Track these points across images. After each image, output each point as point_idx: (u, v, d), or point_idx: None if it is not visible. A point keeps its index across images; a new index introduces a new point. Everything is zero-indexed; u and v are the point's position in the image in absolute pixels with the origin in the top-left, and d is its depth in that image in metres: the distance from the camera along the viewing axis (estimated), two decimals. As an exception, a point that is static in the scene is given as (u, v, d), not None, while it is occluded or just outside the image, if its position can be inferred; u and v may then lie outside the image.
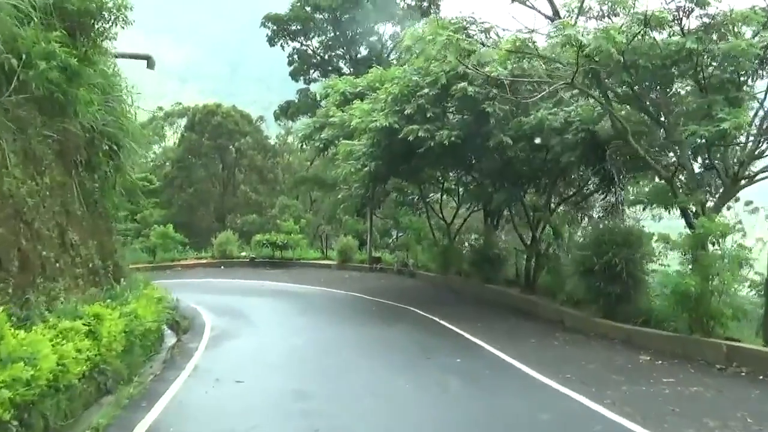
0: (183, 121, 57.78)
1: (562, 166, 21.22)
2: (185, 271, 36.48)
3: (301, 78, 51.20)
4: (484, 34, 18.49)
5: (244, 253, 38.95)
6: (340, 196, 33.78)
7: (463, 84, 20.09)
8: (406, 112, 21.33)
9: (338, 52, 49.82)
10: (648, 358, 14.69)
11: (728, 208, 19.85)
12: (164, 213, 52.17)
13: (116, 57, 17.83)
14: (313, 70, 50.77)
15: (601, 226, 20.51)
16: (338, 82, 30.86)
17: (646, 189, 21.53)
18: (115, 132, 16.52)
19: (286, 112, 48.94)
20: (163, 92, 69.28)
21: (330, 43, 51.72)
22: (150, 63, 19.95)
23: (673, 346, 15.23)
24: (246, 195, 53.88)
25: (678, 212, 18.54)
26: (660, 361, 14.33)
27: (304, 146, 36.48)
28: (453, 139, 20.64)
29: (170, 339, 18.19)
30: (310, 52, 50.46)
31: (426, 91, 21.14)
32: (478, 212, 32.62)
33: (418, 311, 22.41)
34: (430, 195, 33.34)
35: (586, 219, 24.48)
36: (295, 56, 50.12)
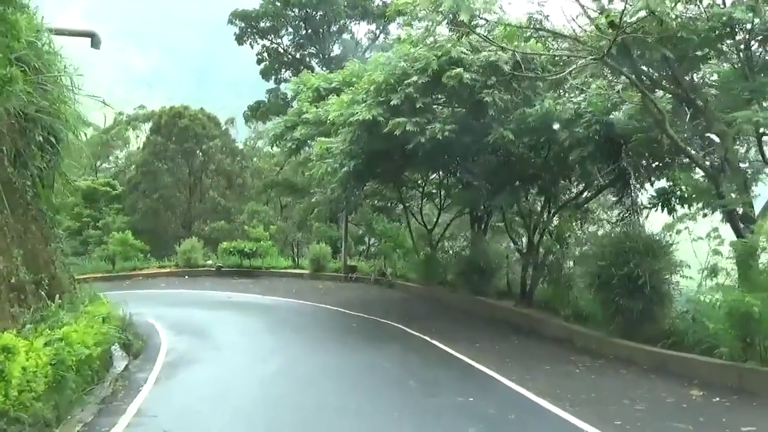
0: (148, 126, 54.07)
1: (571, 163, 18.18)
2: (146, 281, 33.02)
3: (272, 78, 47.60)
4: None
5: (210, 262, 35.51)
6: (314, 200, 30.13)
7: (458, 70, 17.14)
8: (392, 103, 18.23)
9: (310, 50, 46.17)
10: (700, 393, 11.60)
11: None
12: (128, 219, 48.62)
13: (54, 33, 14.69)
14: (284, 69, 46.94)
15: (616, 231, 17.42)
16: (311, 78, 27.67)
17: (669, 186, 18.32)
18: (50, 121, 13.56)
19: (256, 112, 45.25)
20: (131, 99, 65.60)
21: (301, 41, 47.98)
22: (95, 41, 16.68)
23: (725, 376, 12.20)
24: (214, 201, 50.35)
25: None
26: (717, 398, 11.28)
27: (275, 147, 33.04)
28: (447, 133, 17.58)
29: (121, 362, 15.09)
30: (281, 50, 46.85)
31: (415, 79, 18.04)
32: (460, 217, 29.79)
33: (405, 328, 19.40)
34: (410, 200, 30.23)
35: (594, 224, 21.40)
36: (265, 54, 46.39)
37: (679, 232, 17.27)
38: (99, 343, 13.06)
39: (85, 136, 16.41)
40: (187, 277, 33.70)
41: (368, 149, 20.48)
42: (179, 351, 16.29)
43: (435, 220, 29.70)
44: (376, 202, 31.42)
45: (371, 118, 18.48)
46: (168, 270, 34.86)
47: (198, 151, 50.18)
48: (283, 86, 46.09)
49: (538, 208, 21.94)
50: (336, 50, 49.97)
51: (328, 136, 22.23)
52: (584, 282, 16.91)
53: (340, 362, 15.08)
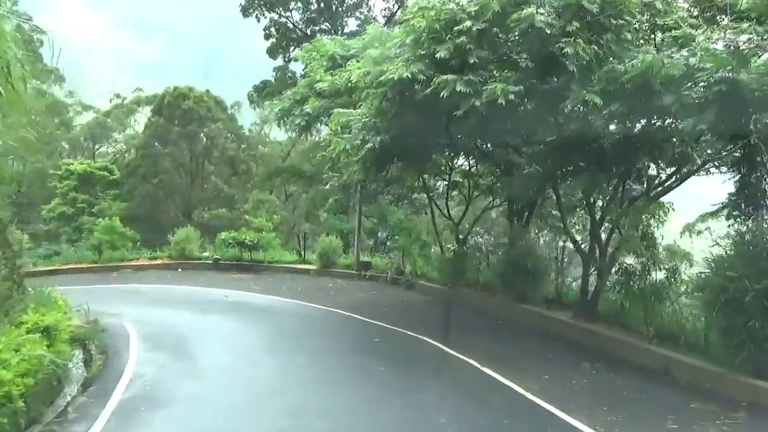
0: (149, 109, 49.08)
1: (681, 136, 13.18)
2: (135, 274, 28.06)
3: (280, 56, 42.22)
4: None
5: (206, 254, 30.48)
6: (327, 186, 24.76)
7: (529, 11, 12.17)
8: (438, 56, 13.25)
9: (322, 26, 40.68)
10: None
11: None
12: (125, 205, 43.76)
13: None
14: (293, 47, 41.26)
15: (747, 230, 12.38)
16: (326, 44, 22.77)
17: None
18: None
19: (262, 92, 39.87)
20: (138, 88, 60.75)
21: (313, 15, 41.83)
22: None
23: None
24: (216, 187, 45.44)
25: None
26: None
27: (282, 125, 27.96)
28: (511, 97, 12.59)
29: (61, 399, 10.44)
30: (289, 25, 41.51)
31: (468, 24, 13.17)
32: (491, 210, 24.96)
33: (444, 348, 14.51)
34: (433, 189, 25.26)
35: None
36: (273, 30, 41.00)
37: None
38: (27, 372, 8.47)
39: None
40: (180, 270, 28.73)
41: (399, 122, 15.60)
42: (147, 379, 11.42)
43: (463, 212, 24.73)
44: (392, 190, 26.38)
45: (409, 76, 13.54)
46: (160, 262, 29.87)
47: (201, 135, 45.27)
48: (291, 65, 40.81)
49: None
50: (351, 26, 44.23)
51: (348, 108, 17.33)
52: (698, 297, 12.03)
53: (370, 412, 10.03)
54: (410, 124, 15.60)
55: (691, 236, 16.82)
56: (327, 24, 40.91)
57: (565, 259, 19.92)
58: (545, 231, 21.55)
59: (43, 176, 48.92)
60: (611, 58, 12.76)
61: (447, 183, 24.55)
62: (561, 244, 21.88)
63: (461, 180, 24.87)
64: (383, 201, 29.48)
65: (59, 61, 61.90)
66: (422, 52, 13.68)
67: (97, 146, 55.53)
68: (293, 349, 14.12)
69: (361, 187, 20.73)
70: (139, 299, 21.66)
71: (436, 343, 14.82)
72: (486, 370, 12.37)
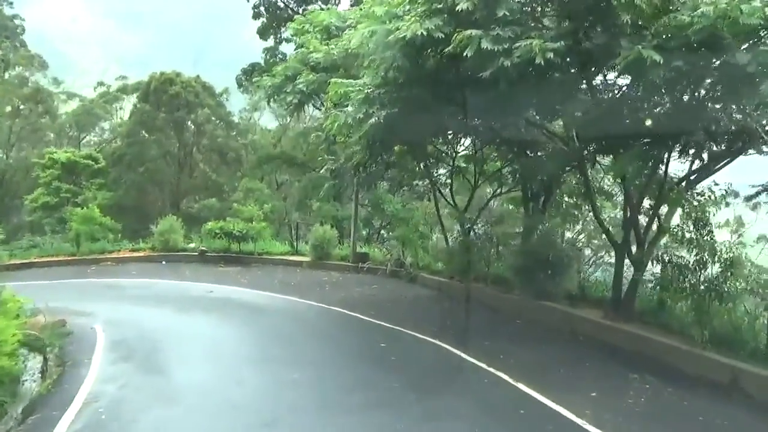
0: (136, 96, 46.24)
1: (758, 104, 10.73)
2: (115, 267, 25.43)
3: (271, 37, 39.21)
4: None
5: (192, 245, 27.87)
6: (323, 170, 21.96)
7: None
8: (459, 8, 10.66)
9: (315, 6, 37.74)
10: None
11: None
12: (110, 195, 41.10)
13: None
14: (284, 28, 38.18)
15: None
16: (320, 14, 20.17)
17: None
18: None
19: (251, 76, 37.04)
20: (122, 75, 57.87)
21: None
22: None
23: None
24: (205, 176, 42.78)
25: None
26: None
27: (272, 103, 25.32)
28: (550, 56, 10.06)
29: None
30: (280, 4, 38.60)
31: (496, -32, 10.59)
32: (500, 196, 22.51)
33: (464, 355, 12.10)
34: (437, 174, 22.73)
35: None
36: (262, 8, 38.05)
37: None
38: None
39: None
40: (164, 262, 26.13)
41: (408, 93, 13.13)
42: (104, 403, 8.97)
43: (468, 199, 22.23)
44: (391, 176, 23.79)
45: (423, 34, 10.97)
46: (143, 254, 27.24)
47: (189, 122, 42.58)
48: (283, 47, 37.96)
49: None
50: (344, 4, 40.63)
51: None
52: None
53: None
54: (421, 97, 13.18)
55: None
56: (320, 2, 37.97)
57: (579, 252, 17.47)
58: (559, 219, 19.02)
59: (28, 166, 46.35)
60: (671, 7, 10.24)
61: (451, 168, 22.04)
62: (572, 235, 19.65)
63: (465, 165, 22.39)
64: (380, 188, 27.07)
65: (47, 51, 59.17)
66: (439, 6, 11.14)
67: (83, 135, 52.79)
68: (286, 360, 11.62)
69: (361, 170, 18.07)
70: (116, 295, 19.21)
71: (453, 350, 12.38)
72: (521, 386, 9.95)
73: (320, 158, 23.98)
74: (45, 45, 72.20)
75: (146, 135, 41.82)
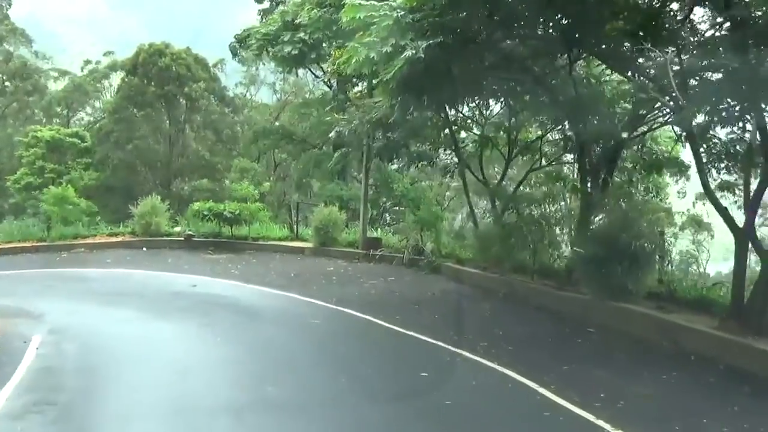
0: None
1: None
2: (89, 254, 21.08)
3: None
4: None
5: (178, 229, 23.39)
6: (332, 133, 17.14)
7: None
8: None
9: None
10: None
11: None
12: (97, 175, 36.68)
13: None
14: None
15: None
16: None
17: None
18: None
19: (245, 42, 32.04)
20: (109, 51, 53.18)
21: None
22: None
23: None
24: (198, 155, 38.27)
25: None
26: None
27: (265, 57, 20.80)
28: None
29: None
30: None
31: None
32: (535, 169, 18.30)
33: (556, 398, 7.69)
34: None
35: None
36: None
37: None
38: None
39: None
40: (145, 249, 21.73)
41: (453, 19, 8.75)
42: None
43: (501, 174, 17.99)
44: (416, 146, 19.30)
45: None
46: (121, 239, 22.85)
47: (180, 97, 37.98)
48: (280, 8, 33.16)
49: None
50: None
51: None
52: None
53: None
54: (471, 26, 8.78)
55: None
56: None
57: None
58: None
59: (13, 146, 42.01)
60: None
61: (480, 137, 17.75)
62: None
63: (494, 135, 18.15)
64: (387, 164, 22.86)
65: (41, 33, 54.62)
66: None
67: (73, 114, 48.28)
68: (286, 406, 7.35)
69: (379, 135, 13.67)
70: (80, 291, 15.03)
71: (532, 384, 8.09)
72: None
73: (328, 118, 19.22)
74: (39, 27, 67.44)
75: (134, 111, 37.28)
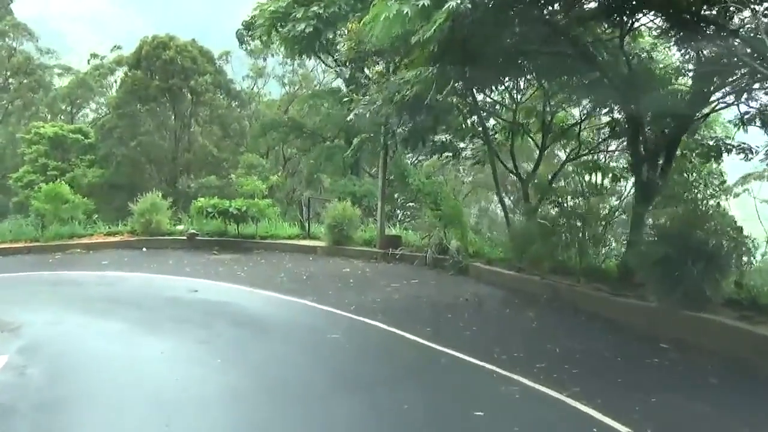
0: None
1: None
2: (85, 255, 19.10)
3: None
4: None
5: (181, 227, 21.35)
6: (350, 118, 14.75)
7: None
8: None
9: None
10: None
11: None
12: (101, 172, 34.85)
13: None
14: None
15: None
16: None
17: None
18: None
19: (251, 28, 29.56)
20: (117, 45, 51.19)
21: None
22: None
23: None
24: (205, 151, 36.32)
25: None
26: None
27: (273, 41, 18.69)
28: None
29: None
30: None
31: None
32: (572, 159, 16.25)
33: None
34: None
35: None
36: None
37: None
38: None
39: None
40: (145, 249, 19.74)
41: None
42: None
43: (534, 165, 15.93)
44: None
45: None
46: (119, 238, 20.82)
47: (186, 91, 36.01)
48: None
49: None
50: None
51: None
52: None
53: None
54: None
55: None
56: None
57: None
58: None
59: (16, 142, 40.24)
60: None
61: (512, 124, 15.68)
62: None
63: (526, 121, 16.09)
64: (402, 155, 20.84)
65: (48, 32, 52.75)
66: None
67: (78, 111, 46.46)
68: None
69: (406, 116, 11.57)
70: (68, 297, 13.03)
71: (624, 430, 6.03)
72: None
73: (346, 99, 16.86)
74: (46, 25, 65.53)
75: (138, 106, 35.34)
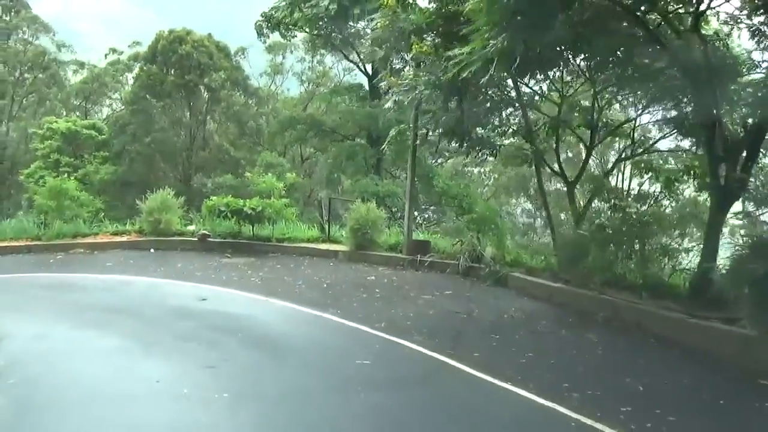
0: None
1: None
2: (87, 256, 17.49)
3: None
4: None
5: (192, 228, 19.65)
6: (388, 105, 12.62)
7: None
8: None
9: None
10: None
11: None
12: (114, 169, 33.38)
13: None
14: None
15: None
16: None
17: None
18: None
19: (273, 22, 27.64)
20: (136, 41, 49.80)
21: None
22: None
23: None
24: (220, 149, 34.79)
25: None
26: None
27: (295, 22, 16.98)
28: None
29: None
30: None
31: None
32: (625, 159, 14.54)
33: None
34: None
35: None
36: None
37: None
38: None
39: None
40: (152, 250, 18.09)
41: None
42: None
43: (581, 167, 14.16)
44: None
45: None
46: (126, 238, 19.17)
47: (202, 87, 34.49)
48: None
49: None
50: None
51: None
52: None
53: None
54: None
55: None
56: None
57: None
58: None
59: (29, 137, 38.94)
60: None
61: (557, 119, 13.92)
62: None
63: (574, 116, 14.33)
64: (425, 156, 19.11)
65: (68, 32, 51.45)
66: None
67: (92, 107, 45.08)
68: None
69: (451, 106, 9.78)
70: (63, 304, 11.46)
71: None
72: None
73: (384, 82, 14.91)
74: (65, 26, 64.27)
75: (153, 101, 33.85)
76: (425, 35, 10.30)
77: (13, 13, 41.38)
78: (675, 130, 12.54)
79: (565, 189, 14.29)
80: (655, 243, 10.90)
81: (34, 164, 33.86)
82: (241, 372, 7.56)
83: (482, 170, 37.64)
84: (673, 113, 11.71)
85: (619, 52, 10.74)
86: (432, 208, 26.11)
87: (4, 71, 41.54)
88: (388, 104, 11.13)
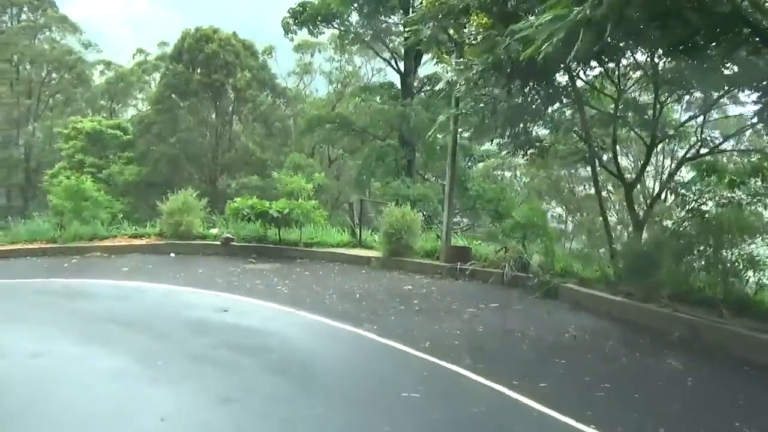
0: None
1: None
2: (103, 260, 16.29)
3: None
4: None
5: (215, 231, 18.34)
6: (440, 86, 11.15)
7: None
8: None
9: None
10: None
11: None
12: (139, 170, 32.38)
13: None
14: None
15: None
16: None
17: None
18: None
19: (300, 17, 26.20)
20: (163, 42, 49.07)
21: None
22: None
23: None
24: (247, 150, 33.60)
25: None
26: None
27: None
28: None
29: None
30: None
31: None
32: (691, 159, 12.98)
33: None
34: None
35: None
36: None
37: None
38: None
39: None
40: (173, 254, 16.85)
41: None
42: None
43: (641, 168, 12.64)
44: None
45: None
46: (146, 241, 17.92)
47: (228, 87, 33.37)
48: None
49: None
50: None
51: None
52: None
53: None
54: None
55: None
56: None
57: None
58: None
59: (55, 137, 38.23)
60: None
61: (616, 116, 12.41)
62: None
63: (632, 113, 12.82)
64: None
65: (99, 36, 50.84)
66: None
67: (118, 107, 44.27)
68: None
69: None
70: (70, 314, 10.21)
71: None
72: None
73: (437, 63, 13.32)
74: (94, 29, 63.79)
75: (178, 101, 32.79)
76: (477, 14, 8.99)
77: (40, 12, 40.66)
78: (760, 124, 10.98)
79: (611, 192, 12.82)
80: (739, 253, 9.36)
81: (58, 165, 33.04)
82: (264, 407, 6.18)
83: (514, 174, 36.14)
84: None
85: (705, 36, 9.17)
86: (460, 212, 24.64)
87: (30, 70, 40.88)
88: (440, 85, 9.73)
